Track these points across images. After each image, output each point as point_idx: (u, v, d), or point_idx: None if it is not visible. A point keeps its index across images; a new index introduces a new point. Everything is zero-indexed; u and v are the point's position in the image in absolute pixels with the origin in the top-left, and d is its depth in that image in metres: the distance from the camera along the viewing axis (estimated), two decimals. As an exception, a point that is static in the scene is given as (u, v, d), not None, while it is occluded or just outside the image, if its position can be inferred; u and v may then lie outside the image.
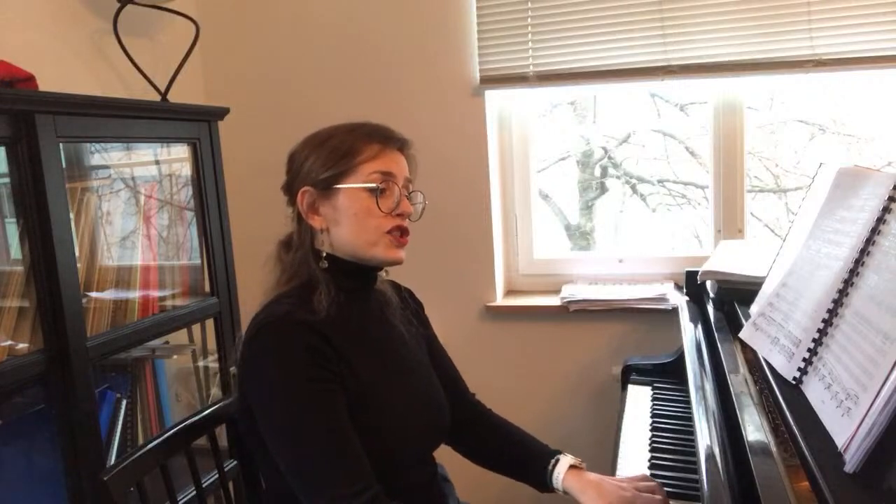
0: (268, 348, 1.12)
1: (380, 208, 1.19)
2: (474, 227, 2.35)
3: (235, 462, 1.48)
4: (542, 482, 1.28)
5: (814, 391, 0.98)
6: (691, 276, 1.81)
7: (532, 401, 2.34)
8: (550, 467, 1.26)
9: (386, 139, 1.22)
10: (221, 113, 1.95)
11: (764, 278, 1.42)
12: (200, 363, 2.12)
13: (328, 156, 1.20)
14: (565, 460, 1.26)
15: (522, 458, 1.32)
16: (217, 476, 1.45)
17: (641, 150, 2.61)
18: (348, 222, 1.20)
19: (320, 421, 1.09)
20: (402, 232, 1.22)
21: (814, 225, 1.25)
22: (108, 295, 1.69)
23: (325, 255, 1.22)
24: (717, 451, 1.06)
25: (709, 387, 1.28)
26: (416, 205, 1.26)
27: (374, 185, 1.18)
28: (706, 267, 1.68)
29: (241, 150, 2.34)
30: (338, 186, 1.19)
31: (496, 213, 2.38)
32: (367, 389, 1.16)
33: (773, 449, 0.94)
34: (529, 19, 2.21)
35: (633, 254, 2.41)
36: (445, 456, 1.38)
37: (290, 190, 1.25)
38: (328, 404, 1.10)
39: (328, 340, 1.13)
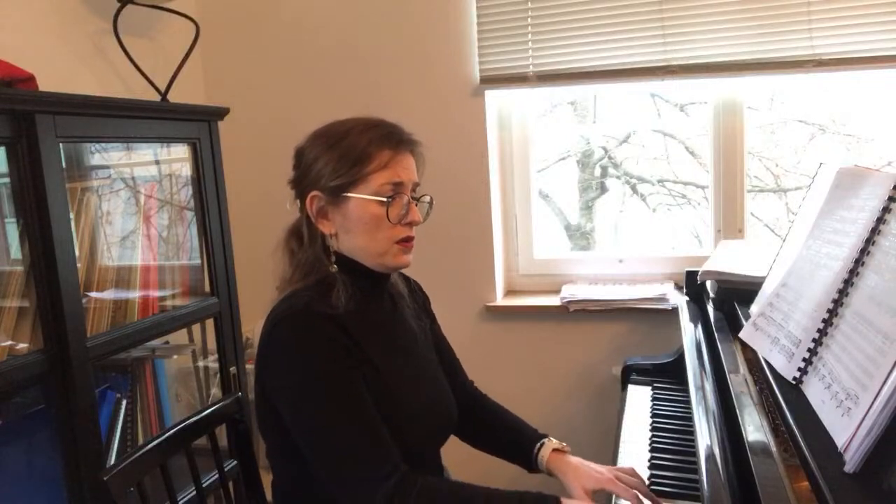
0: (289, 340, 1.13)
1: (388, 219, 1.18)
2: (474, 227, 2.35)
3: (235, 462, 1.48)
4: (529, 463, 1.34)
5: (814, 391, 0.98)
6: (691, 276, 1.81)
7: (532, 401, 2.34)
8: (536, 450, 1.32)
9: (398, 143, 1.21)
10: (221, 113, 1.95)
11: (764, 278, 1.42)
12: (200, 363, 2.12)
13: (339, 162, 1.18)
14: (549, 444, 1.33)
15: (512, 441, 1.38)
16: (217, 476, 1.45)
17: (641, 150, 2.61)
18: (357, 231, 1.20)
19: (346, 408, 1.11)
20: (409, 239, 1.23)
21: (814, 225, 1.25)
22: (108, 295, 1.69)
23: (333, 258, 1.22)
24: (717, 451, 1.06)
25: (709, 387, 1.28)
26: (423, 203, 1.26)
27: (384, 198, 1.18)
28: (706, 267, 1.68)
29: (241, 150, 2.34)
30: (347, 195, 1.19)
31: (496, 213, 2.38)
32: (383, 382, 1.18)
33: (773, 449, 0.94)
34: (529, 19, 2.21)
35: (633, 254, 2.41)
36: (447, 458, 1.40)
37: (298, 187, 1.25)
38: (352, 391, 1.12)
39: (348, 333, 1.15)
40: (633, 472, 1.25)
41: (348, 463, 1.10)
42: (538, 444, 1.33)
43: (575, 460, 1.28)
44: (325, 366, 1.12)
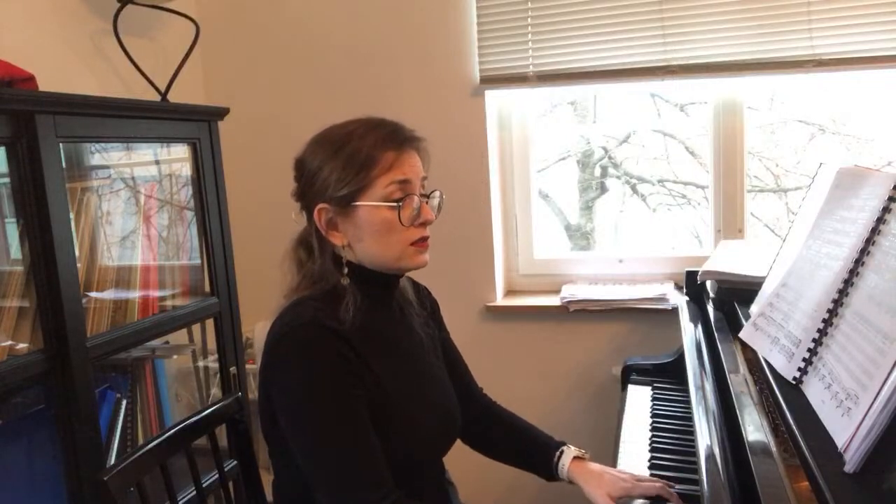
0: (294, 352, 1.12)
1: (401, 222, 1.16)
2: (474, 227, 2.35)
3: (235, 462, 1.48)
4: (549, 473, 1.32)
5: (814, 391, 0.98)
6: (691, 276, 1.81)
7: (532, 401, 2.33)
8: (556, 459, 1.31)
9: (400, 143, 1.18)
10: (221, 113, 1.95)
11: (764, 278, 1.42)
12: (200, 363, 2.12)
13: (343, 170, 1.15)
14: (569, 452, 1.31)
15: (529, 449, 1.37)
16: (217, 476, 1.45)
17: (641, 150, 2.61)
18: (371, 239, 1.17)
19: (344, 427, 1.10)
20: (424, 239, 1.21)
21: (814, 225, 1.25)
22: (108, 295, 1.69)
23: (346, 270, 1.20)
24: (717, 451, 1.06)
25: (709, 387, 1.28)
26: (434, 199, 1.23)
27: (394, 203, 1.15)
28: (706, 267, 1.68)
29: (241, 150, 2.34)
30: (356, 203, 1.16)
31: (496, 214, 2.38)
32: (387, 396, 1.17)
33: (773, 449, 0.94)
34: (529, 19, 2.21)
35: (633, 254, 2.41)
36: (448, 459, 1.39)
37: (303, 199, 1.22)
38: (353, 410, 1.11)
39: (353, 347, 1.13)
40: (654, 480, 1.24)
41: (340, 484, 1.09)
42: (557, 453, 1.31)
43: (596, 467, 1.27)
44: (326, 386, 1.10)
